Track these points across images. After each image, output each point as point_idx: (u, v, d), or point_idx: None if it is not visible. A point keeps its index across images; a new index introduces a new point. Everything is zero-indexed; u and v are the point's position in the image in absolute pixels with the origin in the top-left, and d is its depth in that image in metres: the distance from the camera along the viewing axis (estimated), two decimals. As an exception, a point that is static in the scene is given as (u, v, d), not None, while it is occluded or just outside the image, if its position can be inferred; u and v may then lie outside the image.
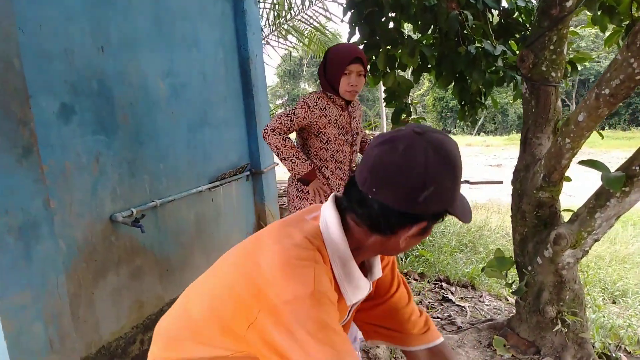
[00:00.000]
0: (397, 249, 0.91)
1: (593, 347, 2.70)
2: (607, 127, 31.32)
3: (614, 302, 4.29)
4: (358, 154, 2.48)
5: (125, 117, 2.33)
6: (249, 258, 0.89)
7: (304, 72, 41.80)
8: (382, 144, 0.84)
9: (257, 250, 0.89)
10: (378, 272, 1.05)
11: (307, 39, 6.11)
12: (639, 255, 5.40)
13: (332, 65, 2.16)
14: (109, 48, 2.21)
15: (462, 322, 3.06)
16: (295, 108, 2.26)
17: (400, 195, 0.82)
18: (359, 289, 0.95)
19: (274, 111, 7.75)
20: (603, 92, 1.68)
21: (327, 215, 0.92)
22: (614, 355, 2.68)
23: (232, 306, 0.86)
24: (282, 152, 2.22)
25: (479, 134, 29.67)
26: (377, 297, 1.14)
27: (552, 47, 2.13)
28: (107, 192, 2.23)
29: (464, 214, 0.90)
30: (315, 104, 2.15)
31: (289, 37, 6.60)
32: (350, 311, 1.05)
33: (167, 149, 2.63)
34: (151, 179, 2.52)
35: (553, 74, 2.18)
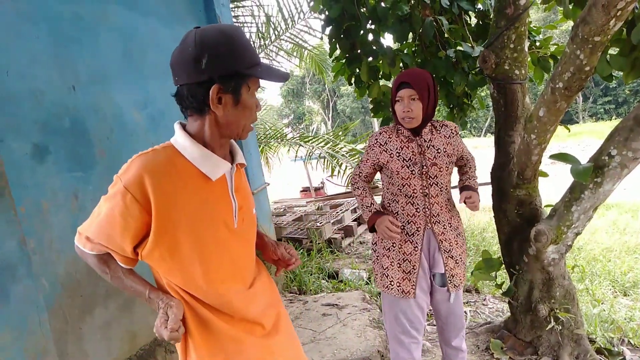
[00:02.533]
0: (227, 123, 1.11)
1: (594, 342, 2.65)
2: (615, 117, 31.07)
3: (625, 295, 4.21)
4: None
5: (102, 152, 2.37)
6: None
7: (307, 90, 42.17)
8: (175, 50, 1.07)
9: None
10: (241, 158, 1.24)
11: (296, 58, 6.18)
12: (651, 245, 5.27)
13: (391, 95, 2.06)
14: (80, 85, 2.27)
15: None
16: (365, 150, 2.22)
17: (188, 71, 1.03)
18: (216, 165, 1.13)
19: (281, 131, 7.77)
20: (557, 85, 1.68)
21: (175, 127, 1.15)
22: (616, 349, 2.62)
23: None
24: (358, 202, 2.16)
25: (485, 135, 29.52)
26: None
27: (512, 46, 2.14)
28: (88, 227, 2.26)
29: (268, 74, 1.09)
30: (375, 141, 2.05)
31: (283, 58, 6.68)
32: (232, 190, 1.20)
33: (149, 179, 2.66)
34: (134, 210, 2.54)
35: (517, 72, 2.18)
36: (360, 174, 2.13)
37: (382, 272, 2.06)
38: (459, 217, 2.05)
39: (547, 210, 2.34)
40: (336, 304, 3.47)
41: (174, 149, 1.11)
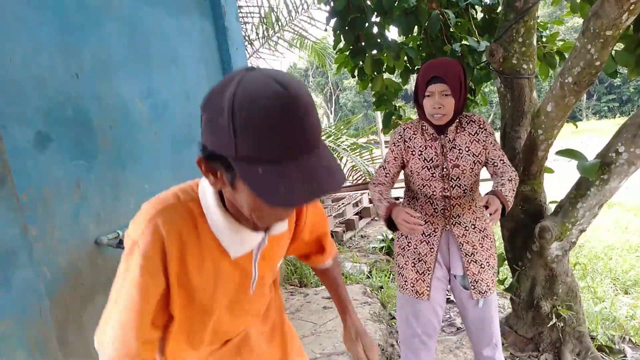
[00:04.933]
0: (236, 202, 0.82)
1: (595, 340, 2.65)
2: (618, 115, 30.96)
3: (626, 293, 4.20)
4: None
5: (105, 141, 2.36)
6: None
7: (310, 83, 42.11)
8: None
9: None
10: (280, 228, 1.00)
11: (299, 49, 6.16)
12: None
13: (415, 87, 1.88)
14: (83, 73, 2.25)
15: (461, 324, 3.02)
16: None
17: (214, 137, 0.72)
18: (239, 242, 0.92)
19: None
20: (567, 80, 1.66)
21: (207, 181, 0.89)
22: (617, 347, 2.62)
23: None
24: (375, 200, 1.94)
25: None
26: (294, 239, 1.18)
27: (520, 40, 2.12)
28: (90, 216, 2.25)
29: (266, 192, 0.68)
30: (400, 137, 1.91)
31: (284, 49, 6.67)
32: (255, 262, 1.00)
33: (152, 169, 2.65)
34: (137, 200, 2.53)
35: (524, 66, 2.16)
36: (387, 175, 1.95)
37: (398, 272, 2.00)
38: (486, 219, 1.90)
39: (552, 207, 2.33)
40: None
41: (199, 207, 0.89)
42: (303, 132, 0.69)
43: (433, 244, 1.88)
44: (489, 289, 1.86)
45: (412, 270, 1.92)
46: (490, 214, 1.59)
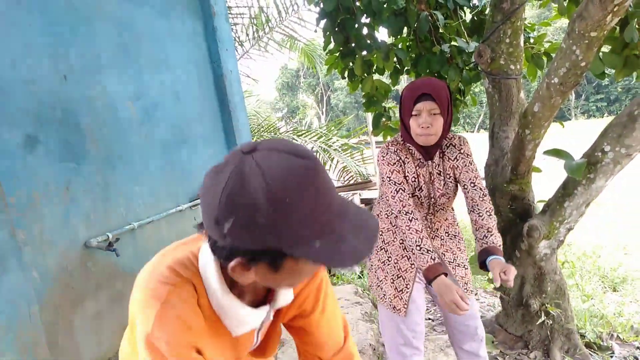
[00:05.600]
0: (262, 283, 0.79)
1: (584, 337, 2.68)
2: (607, 115, 31.32)
3: (614, 290, 4.26)
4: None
5: (95, 143, 2.35)
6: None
7: (301, 84, 42.09)
8: (210, 172, 0.72)
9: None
10: (284, 300, 0.95)
11: (290, 50, 6.17)
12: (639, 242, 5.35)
13: (401, 107, 1.77)
14: (72, 75, 2.24)
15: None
16: (387, 173, 1.81)
17: (209, 224, 0.70)
18: (242, 323, 0.88)
19: (274, 125, 7.74)
20: (553, 81, 1.68)
21: (203, 247, 0.85)
22: (605, 344, 2.65)
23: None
24: (409, 238, 1.71)
25: (478, 131, 29.69)
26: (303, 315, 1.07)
27: (507, 41, 2.14)
28: (80, 219, 2.24)
29: (334, 258, 0.68)
30: (398, 157, 1.78)
31: (275, 50, 6.68)
32: (258, 332, 0.99)
33: (142, 171, 2.64)
34: (127, 202, 2.53)
35: (512, 67, 2.19)
36: (405, 190, 1.75)
37: (377, 284, 1.95)
38: (455, 220, 1.94)
39: (540, 206, 2.36)
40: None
41: (200, 282, 0.84)
42: (334, 189, 0.71)
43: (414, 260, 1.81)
44: (472, 286, 1.93)
45: (390, 286, 1.88)
46: (509, 281, 1.54)
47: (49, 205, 2.08)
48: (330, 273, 4.37)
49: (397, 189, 1.75)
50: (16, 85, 1.97)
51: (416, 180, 1.77)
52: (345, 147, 7.86)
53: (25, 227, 1.97)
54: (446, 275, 1.62)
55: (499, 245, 1.66)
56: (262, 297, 0.93)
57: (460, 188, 1.82)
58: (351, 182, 8.33)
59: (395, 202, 1.74)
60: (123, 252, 2.35)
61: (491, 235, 1.67)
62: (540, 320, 2.39)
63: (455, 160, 1.76)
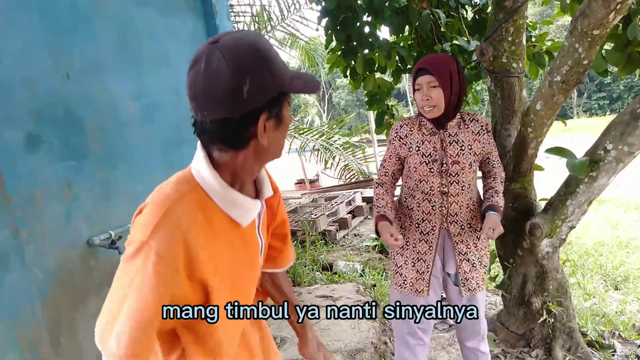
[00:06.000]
0: (268, 149, 0.95)
1: (585, 335, 2.68)
2: (609, 113, 31.25)
3: (616, 288, 4.25)
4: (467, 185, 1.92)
5: (96, 142, 2.35)
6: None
7: (303, 81, 41.99)
8: (190, 70, 0.87)
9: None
10: (268, 191, 1.10)
11: (291, 48, 6.16)
12: (641, 240, 5.33)
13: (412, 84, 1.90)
14: (74, 74, 2.24)
15: (452, 320, 3.05)
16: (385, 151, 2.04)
17: (226, 104, 0.84)
18: (248, 210, 0.99)
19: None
20: (555, 79, 1.68)
21: (195, 158, 0.96)
22: (606, 342, 2.65)
23: None
24: (374, 201, 1.98)
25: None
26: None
27: (510, 39, 2.14)
28: (81, 218, 2.24)
29: (307, 86, 0.93)
30: (395, 135, 1.93)
31: (277, 48, 6.67)
32: (259, 229, 1.09)
33: (143, 170, 2.65)
34: (128, 200, 2.53)
35: (514, 65, 2.18)
36: (387, 173, 1.98)
37: (395, 270, 2.00)
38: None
39: (542, 204, 2.35)
40: (330, 296, 3.48)
41: (202, 192, 0.92)
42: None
43: (432, 242, 1.89)
44: (478, 287, 1.89)
45: (412, 270, 1.93)
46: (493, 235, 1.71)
47: (51, 203, 2.09)
48: (331, 271, 4.38)
49: (382, 165, 2.00)
50: (17, 84, 1.97)
51: (423, 147, 1.84)
52: (347, 146, 7.85)
53: (27, 226, 1.98)
54: (391, 223, 1.85)
55: (501, 206, 1.83)
56: (253, 194, 1.05)
57: (480, 165, 1.92)
58: (353, 180, 8.33)
59: (376, 176, 2.01)
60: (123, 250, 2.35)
61: (497, 196, 1.85)
62: (542, 319, 2.39)
63: (479, 134, 1.83)
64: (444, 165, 1.81)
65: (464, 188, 1.84)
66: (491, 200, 1.83)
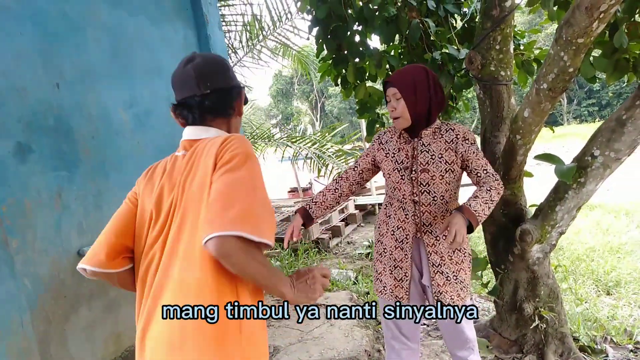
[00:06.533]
0: (237, 126, 1.31)
1: (578, 340, 2.69)
2: (598, 119, 31.58)
3: (608, 293, 4.27)
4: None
5: (87, 151, 2.34)
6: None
7: (296, 91, 42.16)
8: (188, 62, 1.22)
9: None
10: None
11: (282, 57, 6.18)
12: (632, 245, 5.36)
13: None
14: (65, 83, 2.24)
15: (446, 327, 3.05)
16: None
17: (224, 76, 1.22)
18: None
19: (268, 131, 7.75)
20: (542, 86, 1.70)
21: (212, 132, 1.22)
22: (598, 347, 2.66)
23: None
24: None
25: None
26: None
27: (497, 47, 2.16)
28: (72, 227, 2.23)
29: (246, 97, 1.35)
30: (377, 138, 2.01)
31: (268, 57, 6.70)
32: None
33: (135, 179, 2.63)
34: (120, 209, 2.51)
35: (502, 73, 2.21)
36: (355, 168, 2.05)
37: (376, 277, 2.01)
38: None
39: (532, 210, 2.37)
40: (324, 304, 3.47)
41: None
42: None
43: (407, 251, 1.88)
44: (452, 302, 1.84)
45: (390, 277, 1.93)
46: (451, 242, 1.57)
47: (41, 213, 2.08)
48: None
49: (355, 161, 2.10)
50: (8, 94, 1.96)
51: (397, 155, 1.89)
52: (339, 153, 7.86)
53: (17, 236, 1.96)
54: (311, 218, 2.00)
55: (474, 210, 1.65)
56: None
57: (469, 177, 1.87)
58: (346, 188, 8.32)
59: (347, 169, 2.10)
60: (116, 260, 2.34)
61: (473, 200, 1.68)
62: (534, 324, 2.40)
63: (452, 143, 1.81)
64: (414, 172, 1.84)
65: (435, 199, 1.83)
66: (467, 203, 1.70)
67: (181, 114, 1.25)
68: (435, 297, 1.84)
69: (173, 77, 1.26)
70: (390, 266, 1.93)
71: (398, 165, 1.87)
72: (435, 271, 1.83)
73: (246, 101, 1.33)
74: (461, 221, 1.60)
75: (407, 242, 1.87)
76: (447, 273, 1.83)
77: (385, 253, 1.95)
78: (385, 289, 1.95)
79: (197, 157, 1.14)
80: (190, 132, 1.24)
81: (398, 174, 1.87)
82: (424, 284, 1.90)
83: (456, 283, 1.84)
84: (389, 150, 1.93)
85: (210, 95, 1.19)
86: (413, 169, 1.83)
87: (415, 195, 1.84)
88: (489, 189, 1.72)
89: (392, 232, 1.93)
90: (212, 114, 1.21)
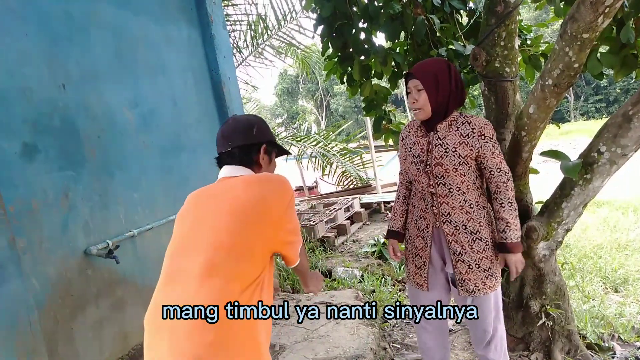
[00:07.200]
0: (270, 168, 1.57)
1: (585, 338, 2.68)
2: (606, 116, 31.34)
3: (615, 291, 4.24)
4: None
5: (93, 150, 2.36)
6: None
7: (301, 89, 42.15)
8: (228, 123, 1.54)
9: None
10: None
11: (286, 56, 6.19)
12: (640, 242, 5.31)
13: None
14: (70, 83, 2.26)
15: (452, 325, 3.04)
16: None
17: (246, 134, 1.48)
18: None
19: (275, 130, 7.76)
20: (547, 82, 1.69)
21: (243, 171, 1.48)
22: (606, 344, 2.65)
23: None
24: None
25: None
26: None
27: (502, 43, 2.15)
28: (79, 226, 2.25)
29: (283, 149, 1.65)
30: (400, 136, 2.08)
31: (273, 56, 6.71)
32: None
33: (140, 178, 2.65)
34: (126, 209, 2.54)
35: (507, 69, 2.20)
36: (401, 172, 2.14)
37: (405, 262, 2.12)
38: (482, 220, 1.89)
39: (538, 207, 2.36)
40: (329, 302, 3.47)
41: None
42: None
43: (427, 239, 1.95)
44: (478, 289, 1.87)
45: (412, 264, 2.03)
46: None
47: (48, 213, 2.09)
48: (330, 277, 4.37)
49: (400, 170, 2.16)
50: (14, 94, 1.98)
51: (414, 148, 1.94)
52: (344, 152, 7.86)
53: (24, 236, 1.98)
54: (397, 232, 2.13)
55: (517, 238, 1.86)
56: None
57: (483, 174, 1.89)
58: (351, 186, 8.33)
59: (399, 175, 2.19)
60: (123, 259, 2.35)
61: (509, 230, 1.84)
62: (540, 322, 2.39)
63: (468, 137, 1.82)
64: (428, 166, 1.87)
65: (451, 190, 1.85)
66: (502, 237, 1.86)
67: (219, 164, 1.55)
68: (460, 285, 1.89)
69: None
70: (412, 253, 2.03)
71: (415, 158, 1.93)
72: (457, 259, 1.88)
73: (282, 153, 1.62)
74: (514, 259, 1.88)
75: (427, 232, 1.95)
76: (468, 261, 1.87)
77: (410, 240, 2.05)
78: (409, 274, 2.06)
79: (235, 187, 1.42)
80: (225, 171, 1.52)
81: (415, 167, 1.93)
82: (447, 271, 1.96)
83: (479, 271, 1.88)
84: (407, 144, 2.00)
85: (231, 151, 1.47)
86: (428, 162, 1.88)
87: (432, 187, 1.89)
88: (507, 198, 1.85)
89: (415, 221, 2.02)
90: (241, 164, 1.48)
